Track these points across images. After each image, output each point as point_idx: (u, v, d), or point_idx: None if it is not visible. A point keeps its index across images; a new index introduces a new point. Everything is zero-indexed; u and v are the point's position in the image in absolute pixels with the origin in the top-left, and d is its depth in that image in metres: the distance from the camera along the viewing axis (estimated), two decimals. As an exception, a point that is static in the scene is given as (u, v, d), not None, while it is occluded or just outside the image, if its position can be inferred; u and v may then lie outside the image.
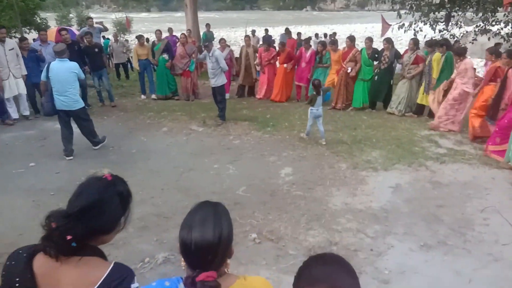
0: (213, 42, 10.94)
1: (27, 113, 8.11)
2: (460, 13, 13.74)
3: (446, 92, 7.38)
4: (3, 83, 7.45)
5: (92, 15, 14.93)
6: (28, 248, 1.34)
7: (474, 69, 7.34)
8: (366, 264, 3.47)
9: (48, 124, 7.77)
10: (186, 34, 10.79)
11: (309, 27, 34.42)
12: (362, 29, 33.03)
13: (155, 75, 10.22)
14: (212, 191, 4.89)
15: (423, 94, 8.02)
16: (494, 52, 6.67)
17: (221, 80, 7.62)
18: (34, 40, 10.26)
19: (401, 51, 8.91)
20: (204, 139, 6.91)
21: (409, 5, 13.72)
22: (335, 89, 8.88)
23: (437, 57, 7.62)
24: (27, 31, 16.16)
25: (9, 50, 7.51)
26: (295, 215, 4.28)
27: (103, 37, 13.36)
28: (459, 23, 13.84)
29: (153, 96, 10.02)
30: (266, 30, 16.16)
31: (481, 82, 6.76)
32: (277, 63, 10.03)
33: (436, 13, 13.60)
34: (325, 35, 16.56)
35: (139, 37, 9.90)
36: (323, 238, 3.84)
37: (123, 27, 24.36)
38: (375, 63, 8.64)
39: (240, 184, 5.06)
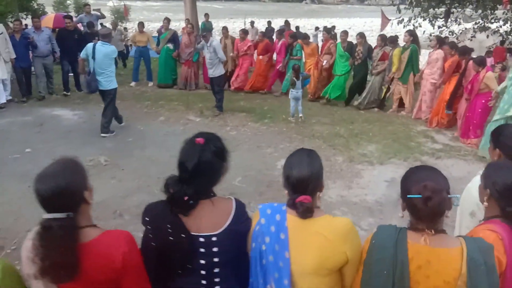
0: (211, 32, 10.89)
1: (3, 100, 7.82)
2: (459, 9, 13.75)
3: (417, 85, 7.84)
4: None
5: (90, 1, 14.74)
6: (159, 203, 1.65)
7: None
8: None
9: (45, 110, 7.75)
10: (185, 23, 10.74)
11: (309, 20, 34.22)
12: (361, 23, 32.90)
13: (156, 63, 10.18)
14: (208, 181, 4.90)
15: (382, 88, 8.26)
16: (454, 47, 7.32)
17: (219, 70, 7.59)
18: (26, 26, 10.22)
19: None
20: (201, 129, 6.82)
21: (409, 0, 13.71)
22: (312, 81, 8.96)
23: (397, 52, 7.80)
24: (24, 16, 15.96)
25: None
26: (290, 206, 4.30)
27: (101, 24, 13.24)
28: (458, 19, 13.86)
29: (150, 83, 10.00)
30: (269, 22, 16.04)
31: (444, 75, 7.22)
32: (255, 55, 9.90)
33: (436, 9, 13.60)
34: (325, 28, 16.50)
35: (140, 24, 9.93)
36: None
37: (121, 15, 24.10)
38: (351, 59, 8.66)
39: (236, 175, 5.07)
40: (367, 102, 8.33)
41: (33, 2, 16.54)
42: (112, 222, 3.92)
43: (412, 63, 7.71)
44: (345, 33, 8.68)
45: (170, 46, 9.73)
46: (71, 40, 8.65)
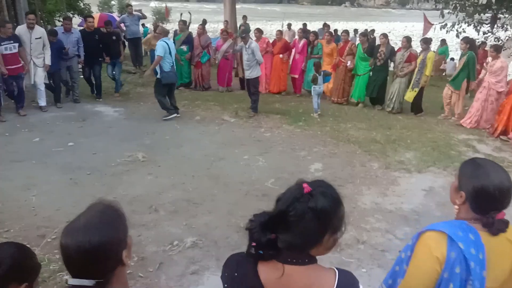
0: (249, 34, 10.94)
1: (43, 103, 7.69)
2: (507, 15, 13.12)
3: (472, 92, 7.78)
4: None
5: (132, 2, 15.23)
6: (244, 255, 1.27)
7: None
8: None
9: (87, 106, 8.06)
10: (224, 24, 10.86)
11: (347, 23, 33.79)
12: (401, 28, 32.15)
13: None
14: (241, 181, 4.93)
15: (410, 91, 8.10)
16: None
17: (256, 72, 7.64)
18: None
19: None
20: (235, 130, 6.96)
21: (453, 5, 13.21)
22: (331, 83, 8.98)
23: (431, 56, 7.77)
24: (71, 15, 16.69)
25: (36, 38, 7.32)
26: (323, 210, 4.25)
27: (142, 25, 13.64)
28: (505, 25, 13.22)
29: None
30: (305, 25, 15.94)
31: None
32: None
33: (481, 14, 13.04)
34: (366, 31, 16.19)
35: (155, 27, 10.09)
36: (350, 235, 3.80)
37: (162, 16, 24.76)
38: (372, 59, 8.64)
39: (269, 176, 5.08)
40: (395, 105, 8.30)
41: (80, 1, 17.25)
42: (148, 217, 4.01)
43: (469, 70, 7.60)
44: (363, 35, 8.94)
45: (184, 48, 9.74)
46: (91, 41, 8.31)
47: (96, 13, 18.12)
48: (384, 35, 8.47)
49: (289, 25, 15.63)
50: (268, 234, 1.19)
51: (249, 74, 7.65)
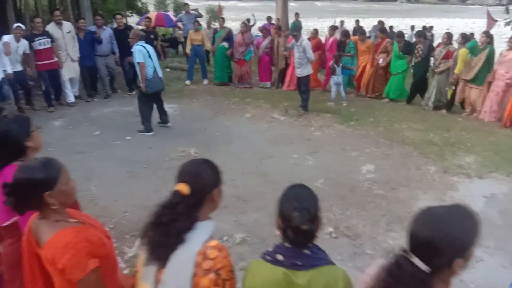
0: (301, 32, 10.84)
1: (72, 99, 7.98)
2: None
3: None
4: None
5: (187, 1, 15.58)
6: None
7: None
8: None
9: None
10: (276, 22, 10.86)
11: (403, 20, 32.46)
12: (461, 24, 30.33)
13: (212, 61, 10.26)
14: (290, 180, 4.85)
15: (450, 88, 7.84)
16: None
17: (307, 70, 7.55)
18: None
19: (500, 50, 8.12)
20: (285, 128, 6.94)
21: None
22: (366, 78, 9.05)
23: (462, 53, 7.47)
24: (129, 14, 17.45)
25: (67, 33, 7.57)
26: (375, 214, 4.13)
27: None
28: None
29: (205, 81, 10.13)
30: (357, 21, 15.60)
31: None
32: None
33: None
34: (424, 28, 15.49)
35: (196, 23, 10.09)
36: (404, 241, 3.65)
37: (215, 14, 25.19)
38: (409, 56, 8.47)
39: (318, 176, 5.01)
40: (434, 103, 8.06)
41: (137, 1, 17.99)
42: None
43: (489, 65, 7.41)
44: (399, 35, 8.84)
45: (225, 44, 9.80)
46: (122, 39, 8.19)
47: (152, 12, 18.84)
48: (419, 35, 8.55)
49: (341, 22, 15.32)
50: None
51: (300, 72, 7.58)
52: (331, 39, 9.54)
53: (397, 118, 7.46)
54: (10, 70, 6.56)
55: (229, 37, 9.95)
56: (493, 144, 6.18)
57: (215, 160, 1.66)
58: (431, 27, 16.19)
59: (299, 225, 1.40)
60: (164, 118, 6.78)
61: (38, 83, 7.79)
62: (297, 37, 7.54)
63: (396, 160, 5.52)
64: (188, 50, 10.10)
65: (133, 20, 18.04)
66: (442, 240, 1.18)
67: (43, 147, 2.29)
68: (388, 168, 5.28)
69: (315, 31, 9.80)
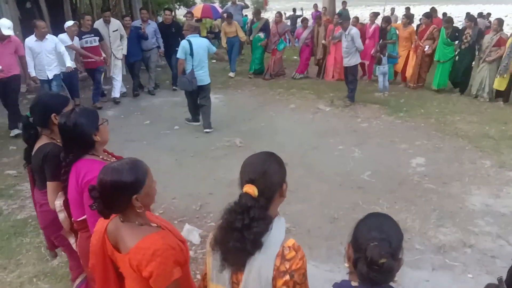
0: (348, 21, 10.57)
1: (123, 90, 8.18)
2: None
3: None
4: None
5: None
6: None
7: None
8: (504, 274, 3.08)
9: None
10: (321, 11, 10.66)
11: (457, 7, 30.72)
12: (524, 9, 28.17)
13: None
14: (335, 172, 4.85)
15: (497, 78, 7.35)
16: None
17: (355, 59, 7.37)
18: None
19: None
20: (330, 119, 6.84)
21: None
22: (410, 67, 8.66)
23: None
24: (177, 7, 17.84)
25: (113, 31, 7.61)
26: (425, 208, 3.99)
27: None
28: None
29: (230, 74, 10.01)
30: (408, 9, 14.94)
31: None
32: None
33: None
34: (481, 14, 14.56)
35: (227, 16, 10.04)
36: (456, 238, 3.52)
37: (260, 4, 25.18)
38: (456, 43, 8.09)
39: (365, 169, 4.91)
40: (489, 94, 7.65)
41: (185, -7, 18.36)
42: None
43: None
44: (447, 21, 8.30)
45: (261, 35, 9.74)
46: (168, 34, 8.35)
47: (199, 4, 19.14)
48: (470, 18, 8.06)
49: (392, 10, 14.77)
50: None
51: (347, 61, 7.41)
52: (373, 26, 9.15)
53: (450, 110, 7.12)
54: (71, 64, 6.79)
55: (265, 27, 9.93)
56: (557, 138, 5.75)
57: (260, 150, 1.62)
58: (488, 14, 15.17)
59: (376, 258, 1.19)
60: (195, 116, 6.56)
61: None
62: (344, 26, 7.36)
63: (449, 154, 5.28)
64: (224, 44, 10.15)
65: (181, 12, 18.43)
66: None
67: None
68: (440, 161, 5.06)
69: (356, 19, 9.49)
